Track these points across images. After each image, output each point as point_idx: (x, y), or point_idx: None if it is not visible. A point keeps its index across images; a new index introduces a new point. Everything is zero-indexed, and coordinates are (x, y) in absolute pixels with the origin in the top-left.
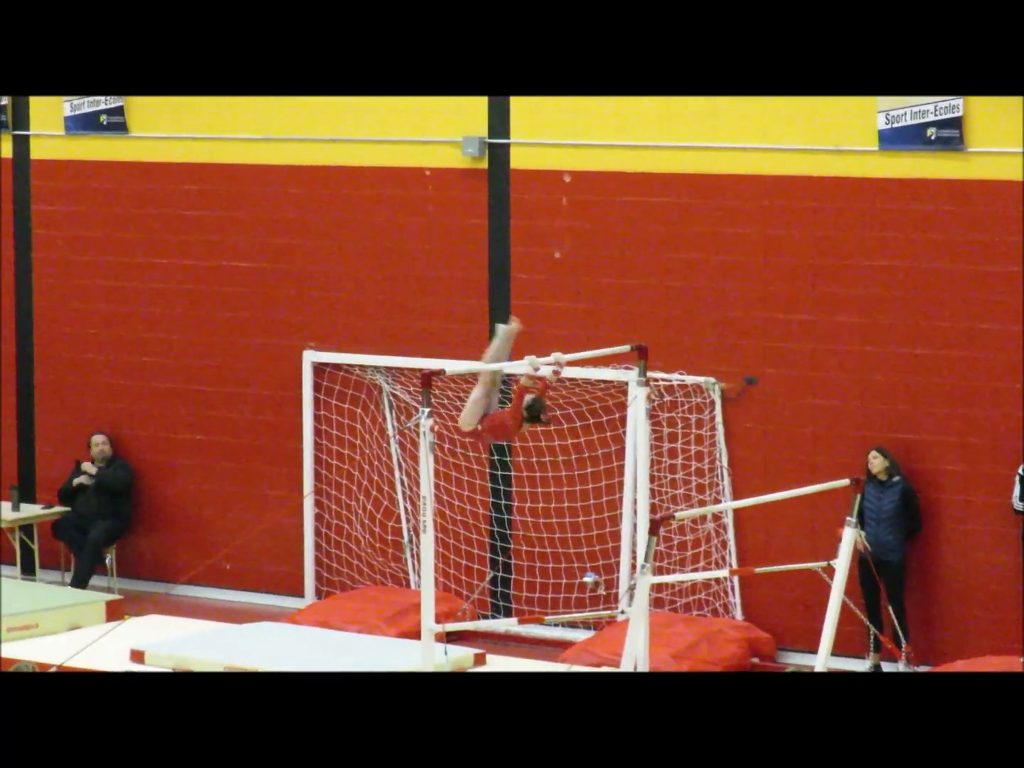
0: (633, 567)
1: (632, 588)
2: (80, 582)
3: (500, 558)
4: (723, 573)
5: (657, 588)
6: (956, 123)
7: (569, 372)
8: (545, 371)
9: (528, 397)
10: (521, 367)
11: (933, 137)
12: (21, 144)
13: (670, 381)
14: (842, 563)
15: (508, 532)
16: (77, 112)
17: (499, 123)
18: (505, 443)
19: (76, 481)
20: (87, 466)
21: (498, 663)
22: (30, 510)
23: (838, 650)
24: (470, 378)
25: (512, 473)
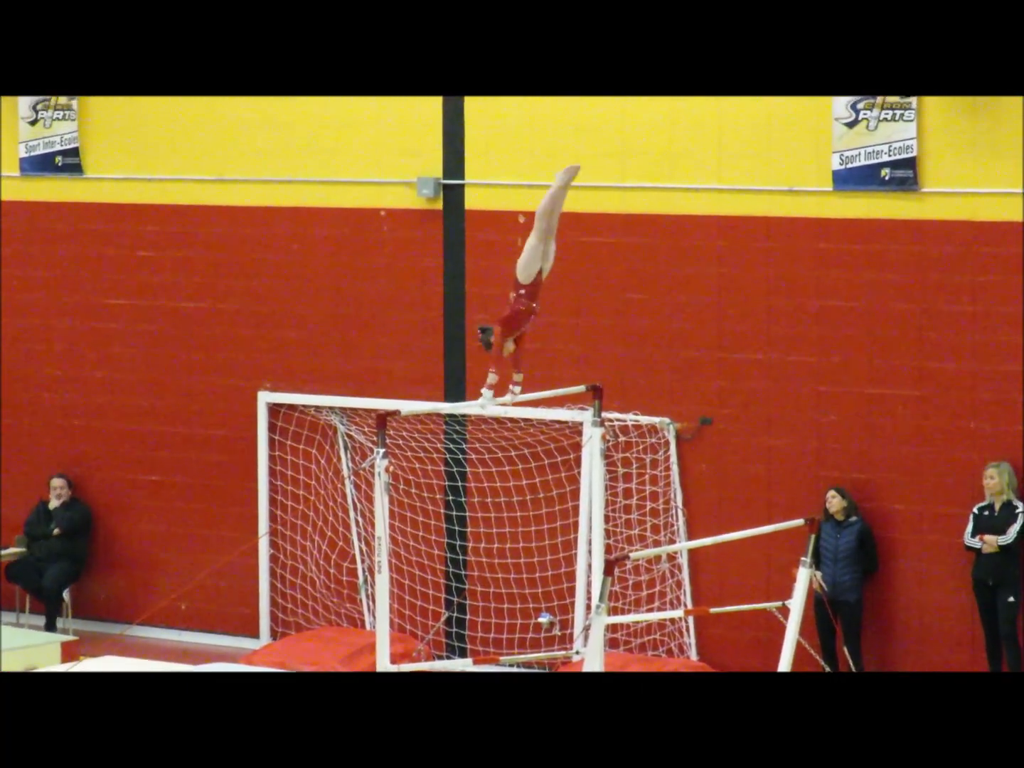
0: (588, 607)
1: (587, 628)
2: (52, 628)
3: (455, 598)
4: (678, 613)
5: (612, 628)
6: (910, 163)
7: (524, 412)
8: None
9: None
10: (472, 407)
11: (887, 177)
12: None
13: (625, 421)
14: (797, 603)
15: (463, 572)
16: (32, 153)
17: (454, 164)
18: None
19: (56, 532)
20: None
21: None
22: None
23: None
24: (424, 418)
25: (467, 514)
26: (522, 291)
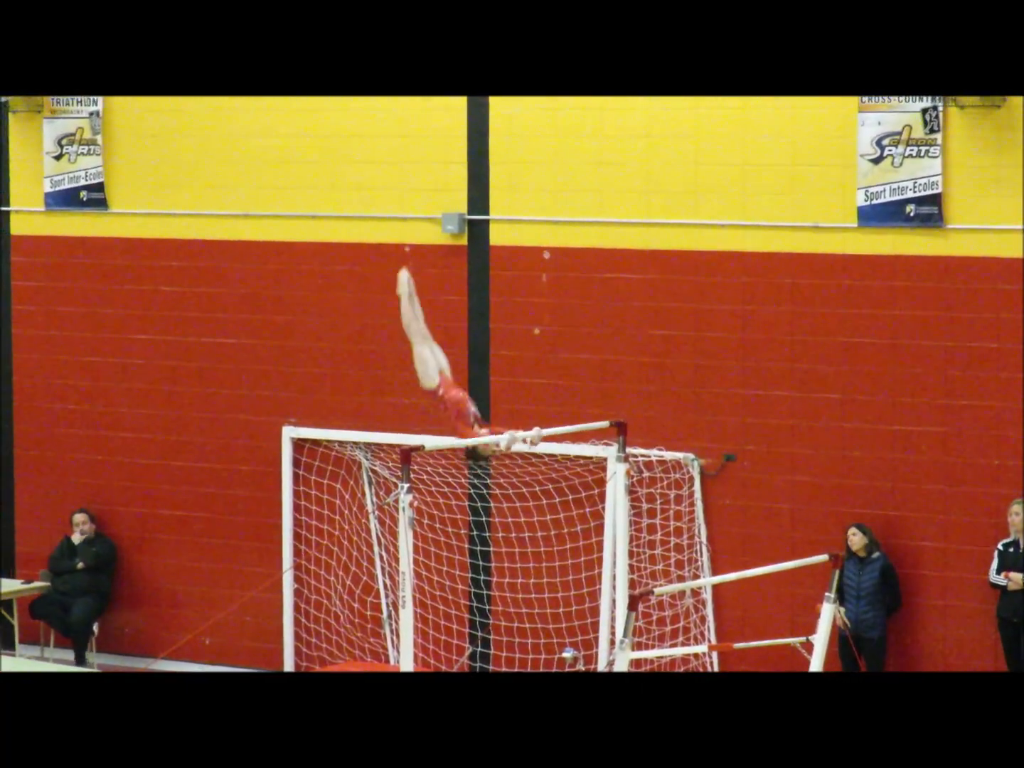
0: (612, 642)
1: (611, 664)
2: (82, 662)
3: (479, 633)
4: (702, 648)
5: (636, 663)
6: (935, 200)
7: (548, 448)
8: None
9: (473, 445)
10: (501, 442)
11: (912, 214)
12: (0, 220)
13: (649, 457)
14: (821, 639)
15: (487, 607)
16: (57, 188)
17: (479, 200)
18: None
19: (79, 565)
20: (76, 537)
21: None
22: (10, 585)
23: None
24: (449, 453)
25: (491, 548)
26: (440, 392)
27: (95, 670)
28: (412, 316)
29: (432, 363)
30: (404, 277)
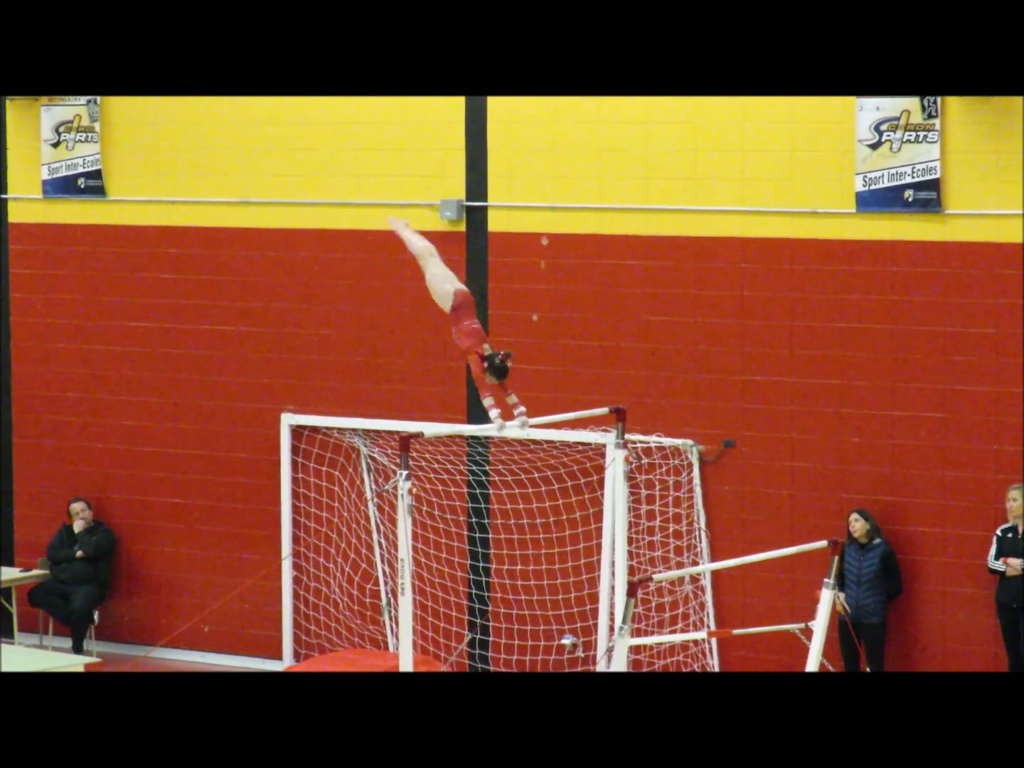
0: (611, 629)
1: (610, 650)
2: (79, 650)
3: (478, 620)
4: (701, 635)
5: (635, 650)
6: (934, 185)
7: (547, 434)
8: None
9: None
10: (491, 430)
11: (911, 199)
12: None
13: (648, 443)
14: (820, 625)
15: (486, 594)
16: (55, 175)
17: (477, 186)
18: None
19: (79, 554)
20: (78, 526)
21: None
22: (8, 573)
23: None
24: (448, 440)
25: (490, 535)
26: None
27: (96, 659)
28: (416, 242)
29: (443, 283)
30: (397, 222)
